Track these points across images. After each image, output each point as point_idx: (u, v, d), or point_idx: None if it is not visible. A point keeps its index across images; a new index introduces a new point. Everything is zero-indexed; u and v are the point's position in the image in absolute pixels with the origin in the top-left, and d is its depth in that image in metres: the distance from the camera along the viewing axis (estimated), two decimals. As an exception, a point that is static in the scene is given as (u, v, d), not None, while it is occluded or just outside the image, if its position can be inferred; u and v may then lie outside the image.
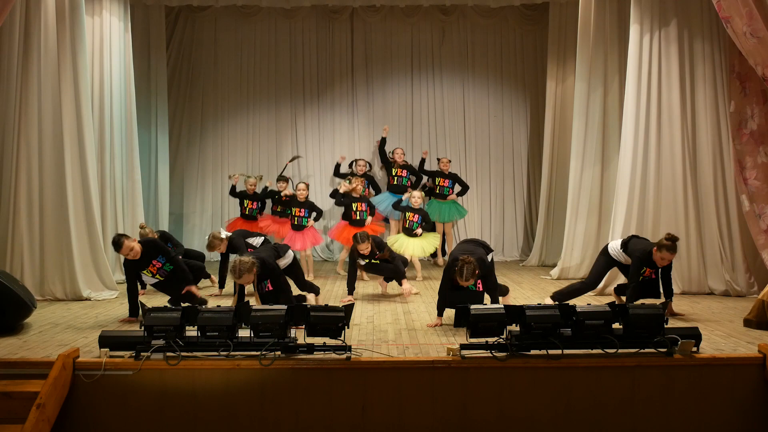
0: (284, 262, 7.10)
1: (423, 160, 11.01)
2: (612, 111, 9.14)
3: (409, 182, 10.68)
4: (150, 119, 10.95)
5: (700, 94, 8.26)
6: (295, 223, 9.60)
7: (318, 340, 5.30)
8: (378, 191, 10.98)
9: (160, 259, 6.78)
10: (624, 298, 7.03)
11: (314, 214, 9.71)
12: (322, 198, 11.68)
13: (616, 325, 5.36)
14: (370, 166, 11.11)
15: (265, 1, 10.61)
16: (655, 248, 6.69)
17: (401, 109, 11.95)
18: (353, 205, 9.63)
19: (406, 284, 7.70)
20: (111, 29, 9.05)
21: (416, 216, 9.45)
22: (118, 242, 6.65)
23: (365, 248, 7.64)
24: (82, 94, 8.04)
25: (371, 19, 11.77)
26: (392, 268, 7.84)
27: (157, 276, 6.81)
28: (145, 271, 6.79)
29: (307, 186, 9.88)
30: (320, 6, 11.29)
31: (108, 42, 9.00)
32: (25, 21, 7.79)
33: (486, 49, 11.96)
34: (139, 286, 6.92)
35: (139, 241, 6.79)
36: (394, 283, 8.21)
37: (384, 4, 11.17)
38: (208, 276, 8.83)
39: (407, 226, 9.45)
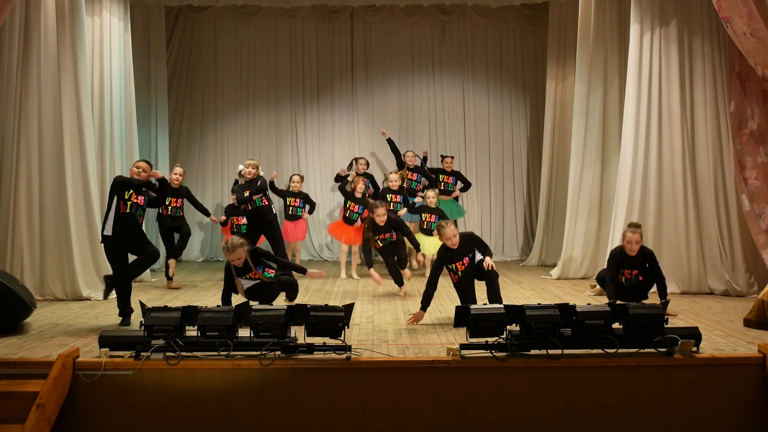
0: None
1: (425, 159, 11.00)
2: (612, 111, 9.14)
3: (419, 186, 10.65)
4: (150, 119, 10.94)
5: (700, 93, 8.26)
6: (290, 213, 9.84)
7: (318, 340, 5.30)
8: (377, 189, 10.95)
9: (145, 190, 6.71)
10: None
11: (308, 206, 9.92)
12: (321, 197, 11.67)
13: (616, 325, 5.36)
14: (369, 165, 11.08)
15: (265, 1, 10.60)
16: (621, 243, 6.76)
17: (401, 108, 11.95)
18: (348, 203, 9.68)
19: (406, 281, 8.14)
20: (111, 29, 9.03)
21: (433, 216, 9.44)
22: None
23: (381, 214, 7.91)
24: (82, 94, 8.04)
25: (371, 18, 11.76)
26: (402, 255, 8.17)
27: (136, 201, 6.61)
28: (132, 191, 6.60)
29: (302, 178, 10.07)
30: (320, 6, 11.29)
31: (108, 42, 8.99)
32: (25, 21, 7.79)
33: (486, 49, 11.95)
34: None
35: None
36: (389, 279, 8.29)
37: (384, 4, 11.16)
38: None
39: (425, 227, 9.44)
